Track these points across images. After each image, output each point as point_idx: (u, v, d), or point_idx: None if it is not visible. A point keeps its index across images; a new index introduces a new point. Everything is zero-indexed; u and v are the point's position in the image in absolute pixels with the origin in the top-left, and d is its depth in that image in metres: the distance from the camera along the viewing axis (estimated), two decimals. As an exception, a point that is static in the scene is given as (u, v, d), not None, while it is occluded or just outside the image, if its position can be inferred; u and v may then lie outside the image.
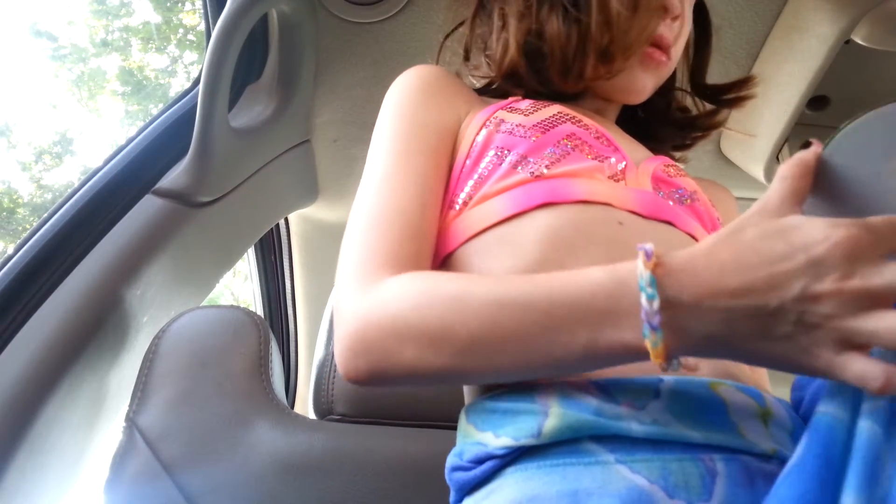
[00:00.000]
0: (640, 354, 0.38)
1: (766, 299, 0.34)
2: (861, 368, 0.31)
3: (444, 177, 0.58)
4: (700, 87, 0.75)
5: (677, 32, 0.65)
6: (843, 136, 0.36)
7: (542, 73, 0.63)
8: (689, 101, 0.78)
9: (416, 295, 0.44)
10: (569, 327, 0.39)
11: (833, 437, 0.33)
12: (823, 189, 0.36)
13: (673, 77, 0.76)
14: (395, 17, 1.01)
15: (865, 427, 0.32)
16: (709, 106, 0.76)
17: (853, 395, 0.34)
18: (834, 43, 0.93)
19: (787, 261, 0.33)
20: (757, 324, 0.34)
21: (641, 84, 0.65)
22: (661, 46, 0.63)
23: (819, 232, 0.33)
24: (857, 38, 0.95)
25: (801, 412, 0.45)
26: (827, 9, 0.92)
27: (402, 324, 0.44)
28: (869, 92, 1.08)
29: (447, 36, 0.74)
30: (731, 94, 0.73)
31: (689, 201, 0.59)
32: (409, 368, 0.44)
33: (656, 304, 0.36)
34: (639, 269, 0.37)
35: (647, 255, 0.37)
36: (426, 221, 0.53)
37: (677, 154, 0.78)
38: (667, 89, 0.75)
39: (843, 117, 0.37)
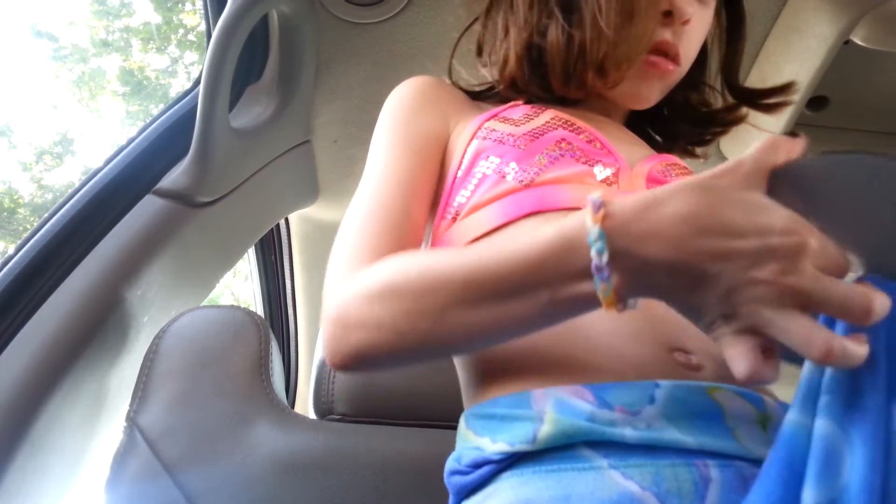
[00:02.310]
0: (597, 303, 0.39)
1: (708, 264, 0.35)
2: (739, 353, 0.34)
3: (432, 180, 0.61)
4: (735, 89, 0.73)
5: (688, 36, 0.63)
6: (852, 160, 0.36)
7: (544, 80, 0.64)
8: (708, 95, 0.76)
9: (389, 274, 0.46)
10: (529, 288, 0.40)
11: (795, 441, 0.34)
12: (800, 186, 0.37)
13: (699, 72, 0.74)
14: (396, 18, 1.01)
15: (821, 425, 0.33)
16: (729, 99, 0.74)
17: (816, 399, 0.35)
18: (834, 43, 0.94)
19: (742, 238, 0.34)
20: (692, 281, 0.36)
21: (646, 92, 0.65)
22: (669, 54, 0.62)
23: (781, 223, 0.34)
24: (857, 39, 0.95)
25: None
26: (827, 9, 0.92)
27: (378, 303, 0.45)
28: (868, 92, 1.08)
29: (462, 34, 0.74)
30: (772, 100, 0.71)
31: None
32: (390, 346, 0.45)
33: (605, 257, 0.37)
34: (587, 223, 0.38)
35: (596, 207, 0.37)
36: (409, 219, 0.56)
37: (699, 150, 0.77)
38: (690, 85, 0.73)
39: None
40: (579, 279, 0.38)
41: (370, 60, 1.07)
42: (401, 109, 0.64)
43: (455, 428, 0.51)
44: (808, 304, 0.33)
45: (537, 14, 0.63)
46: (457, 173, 0.60)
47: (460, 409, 0.52)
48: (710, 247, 0.35)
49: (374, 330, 0.45)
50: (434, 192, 0.61)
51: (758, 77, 1.06)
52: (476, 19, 0.72)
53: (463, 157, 0.60)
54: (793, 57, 0.99)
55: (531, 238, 0.41)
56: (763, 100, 0.72)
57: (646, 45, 0.60)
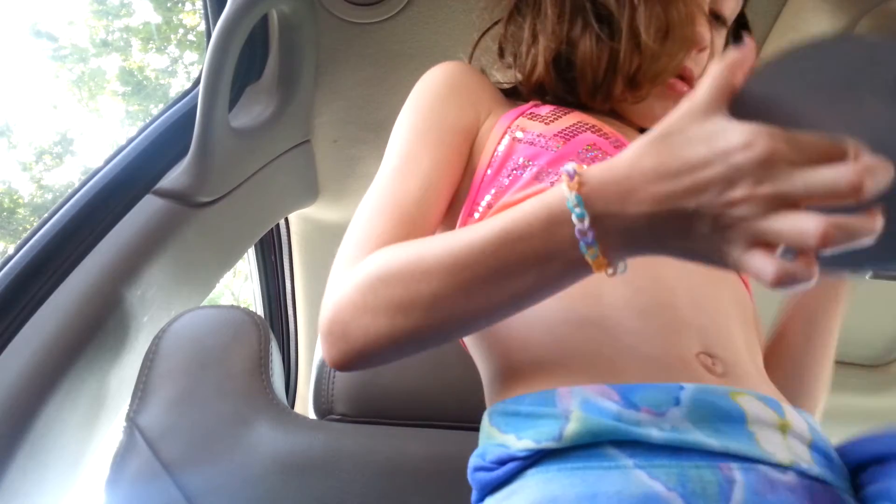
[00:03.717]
0: (587, 269, 0.40)
1: (685, 203, 0.35)
2: (759, 265, 0.33)
3: (456, 173, 0.59)
4: None
5: (703, 62, 0.64)
6: (793, 59, 0.37)
7: (569, 86, 0.64)
8: None
9: (380, 266, 0.46)
10: (518, 264, 0.41)
11: None
12: (756, 96, 0.37)
13: None
14: (396, 18, 1.01)
15: None
16: None
17: None
18: (834, 43, 0.94)
19: (707, 168, 0.35)
20: (679, 224, 0.36)
21: (660, 113, 0.64)
22: (686, 78, 0.63)
23: (740, 138, 0.34)
24: (857, 39, 0.95)
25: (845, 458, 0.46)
26: (827, 9, 0.92)
27: (371, 297, 0.45)
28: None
29: (482, 34, 0.74)
30: None
31: None
32: (386, 338, 0.45)
33: (587, 221, 0.38)
34: (564, 192, 0.39)
35: (570, 176, 0.39)
36: (420, 212, 0.54)
37: None
38: None
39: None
40: (566, 248, 0.40)
41: (370, 60, 1.07)
42: (428, 96, 0.62)
43: (456, 428, 0.51)
44: (795, 203, 0.33)
45: (569, 23, 0.63)
46: (486, 172, 0.59)
47: (461, 410, 0.52)
48: (680, 186, 0.35)
49: (370, 328, 0.45)
50: (456, 187, 0.60)
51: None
52: (496, 22, 0.72)
53: (493, 156, 0.59)
54: (793, 57, 0.99)
55: (513, 214, 0.42)
56: None
57: (680, 62, 0.61)
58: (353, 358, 0.47)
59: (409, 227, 0.53)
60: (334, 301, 0.48)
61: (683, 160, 0.36)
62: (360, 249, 0.51)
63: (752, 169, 0.33)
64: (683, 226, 0.36)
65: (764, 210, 0.33)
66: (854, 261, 0.35)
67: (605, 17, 0.62)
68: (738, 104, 0.37)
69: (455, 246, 0.43)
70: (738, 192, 0.34)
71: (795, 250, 0.33)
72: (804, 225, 0.32)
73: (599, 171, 0.39)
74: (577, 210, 0.38)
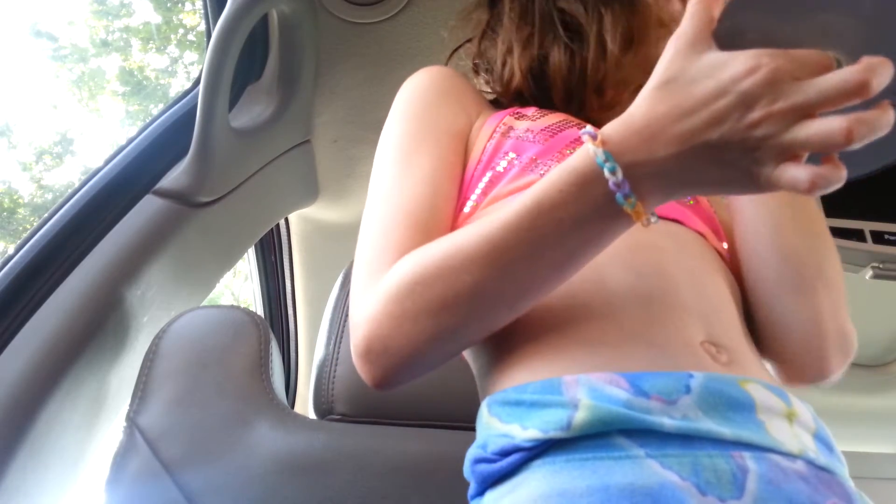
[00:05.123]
0: (626, 221, 0.41)
1: (709, 135, 0.37)
2: (792, 175, 0.35)
3: (457, 177, 0.59)
4: None
5: None
6: None
7: (546, 94, 0.64)
8: None
9: (414, 269, 0.46)
10: (557, 233, 0.42)
11: None
12: (738, 24, 0.39)
13: None
14: (395, 18, 1.01)
15: None
16: None
17: None
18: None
19: (720, 98, 0.36)
20: (708, 157, 0.38)
21: None
22: None
23: (743, 66, 0.36)
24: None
25: None
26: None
27: (410, 302, 0.45)
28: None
29: (454, 52, 0.74)
30: None
31: (691, 201, 0.59)
32: (432, 340, 0.45)
33: (620, 173, 0.39)
34: (591, 151, 0.40)
35: (593, 137, 0.40)
36: (433, 217, 0.54)
37: None
38: None
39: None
40: (602, 205, 0.41)
41: (370, 60, 1.07)
42: (418, 100, 0.61)
43: (456, 428, 0.51)
44: (811, 113, 0.34)
45: (539, 34, 0.64)
46: (476, 167, 0.58)
47: (461, 409, 0.52)
48: (700, 121, 0.37)
49: (414, 334, 0.45)
50: (459, 187, 0.59)
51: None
52: (469, 40, 0.72)
53: (483, 152, 0.59)
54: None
55: (539, 188, 0.42)
56: None
57: (646, 71, 0.61)
58: (399, 370, 0.47)
59: (424, 234, 0.52)
60: (367, 317, 0.47)
61: (696, 97, 0.37)
62: (380, 262, 0.50)
63: (763, 90, 0.35)
64: (713, 157, 0.37)
65: (785, 124, 0.34)
66: (872, 153, 0.37)
67: (576, 28, 0.62)
68: (723, 34, 0.38)
69: (489, 231, 0.43)
70: (756, 113, 0.35)
71: (819, 157, 0.34)
72: (828, 127, 0.33)
73: (617, 126, 0.40)
74: (608, 165, 0.39)
